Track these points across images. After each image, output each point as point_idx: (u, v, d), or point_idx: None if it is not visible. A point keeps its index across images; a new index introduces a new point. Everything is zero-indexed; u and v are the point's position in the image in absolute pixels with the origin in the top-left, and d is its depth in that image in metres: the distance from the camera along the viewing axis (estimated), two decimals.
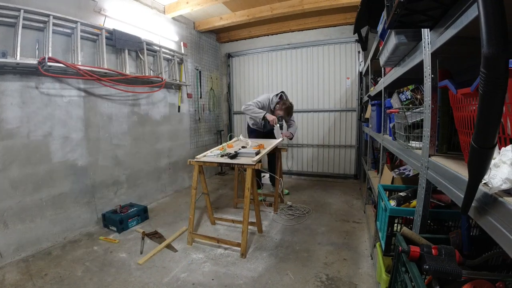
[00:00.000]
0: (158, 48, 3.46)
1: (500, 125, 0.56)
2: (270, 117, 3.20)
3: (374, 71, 2.87)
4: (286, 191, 3.80)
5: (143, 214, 2.91)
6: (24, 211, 2.23)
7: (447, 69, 1.10)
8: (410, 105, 1.36)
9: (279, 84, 4.88)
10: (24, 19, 2.09)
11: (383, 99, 1.98)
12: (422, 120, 1.13)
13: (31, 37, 2.23)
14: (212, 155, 2.50)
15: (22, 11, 2.06)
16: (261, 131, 3.63)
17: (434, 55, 0.98)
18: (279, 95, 3.43)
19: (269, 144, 2.82)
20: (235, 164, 2.27)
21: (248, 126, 3.69)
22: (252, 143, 2.94)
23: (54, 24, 2.29)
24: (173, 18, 3.91)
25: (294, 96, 4.79)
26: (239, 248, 2.19)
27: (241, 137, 3.29)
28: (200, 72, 4.56)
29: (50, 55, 2.24)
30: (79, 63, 2.50)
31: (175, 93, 3.98)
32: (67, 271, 1.98)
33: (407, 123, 1.29)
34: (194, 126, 4.46)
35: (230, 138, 3.24)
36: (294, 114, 4.76)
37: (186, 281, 1.87)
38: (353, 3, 3.26)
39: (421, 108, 1.21)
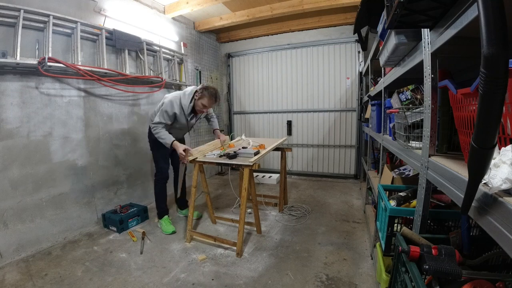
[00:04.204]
0: (158, 48, 3.46)
1: (500, 125, 0.56)
2: (179, 149, 2.35)
3: (374, 71, 2.87)
4: (199, 214, 3.06)
5: (143, 214, 2.91)
6: (24, 211, 2.23)
7: (447, 69, 1.10)
8: (410, 105, 1.36)
9: (279, 84, 4.89)
10: (24, 19, 2.09)
11: (383, 99, 1.98)
12: (422, 120, 1.13)
13: (31, 37, 2.23)
14: (212, 154, 2.50)
15: (22, 11, 2.06)
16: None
17: (434, 55, 0.98)
18: (194, 91, 2.54)
19: (270, 144, 2.82)
20: (233, 164, 2.27)
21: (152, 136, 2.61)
22: (253, 143, 2.94)
23: (54, 24, 2.29)
24: (173, 18, 3.91)
25: (294, 96, 4.80)
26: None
27: (243, 136, 3.28)
28: (200, 72, 4.56)
29: (50, 55, 2.24)
30: (79, 63, 2.50)
31: None
32: (67, 271, 1.98)
33: (407, 123, 1.29)
34: (194, 126, 4.45)
35: (232, 138, 3.22)
36: (293, 114, 4.84)
37: (186, 281, 1.87)
38: (353, 3, 3.27)
39: (421, 108, 1.21)
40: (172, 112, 2.44)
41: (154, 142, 2.59)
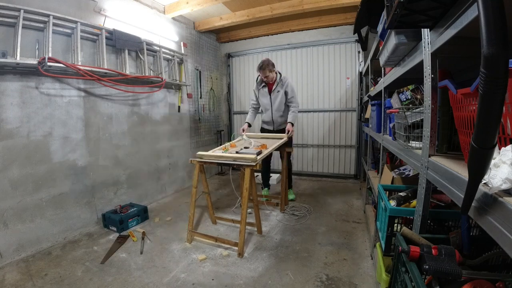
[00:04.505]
0: (158, 48, 3.46)
1: (500, 125, 0.56)
2: (244, 127, 3.19)
3: (374, 71, 2.87)
4: (292, 196, 3.56)
5: (143, 214, 2.91)
6: (24, 211, 2.23)
7: (447, 69, 1.10)
8: (410, 105, 1.36)
9: None
10: (24, 19, 2.09)
11: (383, 99, 1.98)
12: (422, 120, 1.13)
13: (31, 37, 2.23)
14: (214, 155, 2.49)
15: (22, 11, 2.06)
16: (270, 129, 3.41)
17: (434, 55, 0.98)
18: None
19: (272, 144, 2.81)
20: (234, 164, 2.27)
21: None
22: (255, 143, 2.94)
23: (54, 24, 2.29)
24: (173, 18, 3.91)
25: None
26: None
27: (244, 136, 3.28)
28: (200, 72, 4.56)
29: (50, 55, 2.24)
30: (79, 63, 2.50)
31: (175, 93, 3.98)
32: (67, 271, 1.98)
33: (407, 123, 1.29)
34: (194, 126, 4.46)
35: (233, 138, 3.21)
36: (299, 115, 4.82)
37: (186, 281, 1.87)
38: (353, 3, 3.26)
39: (421, 108, 1.21)
40: (253, 92, 3.43)
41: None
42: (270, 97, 3.27)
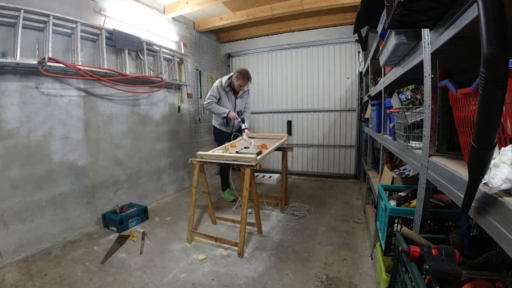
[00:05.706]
0: (158, 48, 3.46)
1: (500, 125, 0.56)
2: (231, 114, 3.23)
3: (374, 71, 2.87)
4: (229, 197, 3.59)
5: (143, 214, 2.91)
6: (24, 211, 2.23)
7: (447, 69, 1.10)
8: (410, 105, 1.36)
9: (279, 84, 4.89)
10: (24, 19, 2.09)
11: (383, 99, 1.98)
12: (422, 120, 1.13)
13: (31, 37, 2.23)
14: (214, 155, 2.49)
15: (22, 11, 2.06)
16: (228, 132, 3.40)
17: (434, 55, 0.98)
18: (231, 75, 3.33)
19: (272, 143, 2.81)
20: (235, 164, 2.27)
21: (214, 128, 3.53)
22: (255, 143, 2.94)
23: (54, 24, 2.29)
24: (173, 18, 3.91)
25: (294, 96, 4.81)
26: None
27: (244, 136, 3.28)
28: (200, 72, 4.56)
29: (50, 55, 2.24)
30: (79, 63, 2.50)
31: (175, 93, 3.98)
32: (67, 271, 1.98)
33: (407, 123, 1.29)
34: (194, 126, 4.46)
35: (233, 138, 3.21)
36: (293, 114, 4.85)
37: (186, 281, 1.87)
38: (353, 3, 3.26)
39: (421, 108, 1.21)
40: (216, 89, 3.27)
41: (217, 135, 3.49)
42: (235, 102, 3.43)
